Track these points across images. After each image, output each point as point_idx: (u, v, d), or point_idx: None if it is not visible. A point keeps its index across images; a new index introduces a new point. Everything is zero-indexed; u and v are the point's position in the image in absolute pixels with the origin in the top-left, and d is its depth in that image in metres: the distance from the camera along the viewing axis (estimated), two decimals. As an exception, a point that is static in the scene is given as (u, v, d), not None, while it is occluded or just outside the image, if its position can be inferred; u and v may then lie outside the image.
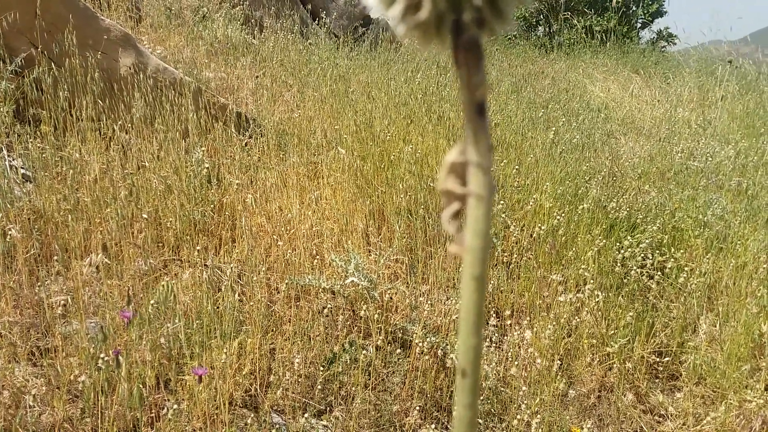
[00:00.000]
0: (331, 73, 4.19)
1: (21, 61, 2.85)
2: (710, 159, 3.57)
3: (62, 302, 1.85)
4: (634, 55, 7.60)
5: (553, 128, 3.47)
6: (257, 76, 4.07)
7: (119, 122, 2.82)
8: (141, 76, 3.10)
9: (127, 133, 2.82)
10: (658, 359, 2.23)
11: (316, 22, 6.36)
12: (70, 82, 2.80)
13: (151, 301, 1.68)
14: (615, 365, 2.14)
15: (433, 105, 3.65)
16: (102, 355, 1.46)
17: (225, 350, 1.68)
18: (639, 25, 11.61)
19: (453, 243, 0.25)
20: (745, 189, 3.18)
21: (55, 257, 1.94)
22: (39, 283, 1.91)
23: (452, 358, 1.89)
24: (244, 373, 1.75)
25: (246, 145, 3.12)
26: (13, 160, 2.51)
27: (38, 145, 2.51)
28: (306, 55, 4.70)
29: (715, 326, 2.33)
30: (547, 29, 10.31)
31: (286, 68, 4.33)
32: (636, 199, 2.97)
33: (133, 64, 3.23)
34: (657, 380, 2.23)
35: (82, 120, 2.69)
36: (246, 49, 4.49)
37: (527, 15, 11.21)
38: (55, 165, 2.43)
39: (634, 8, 10.73)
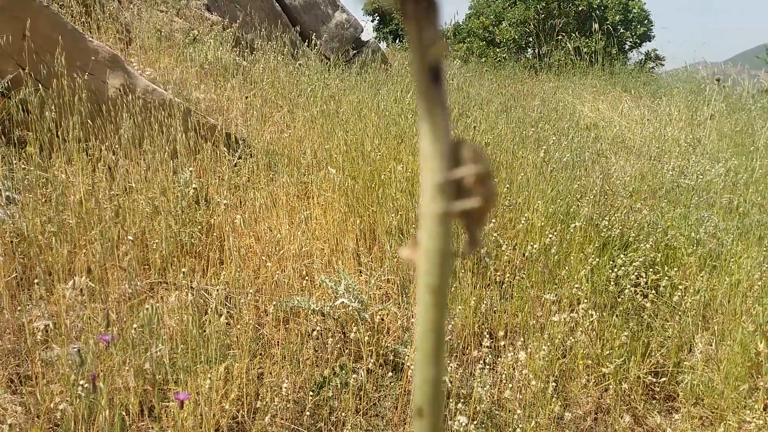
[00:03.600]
0: (321, 93, 4.19)
1: (7, 83, 2.83)
2: (701, 177, 3.57)
3: (44, 327, 1.80)
4: (622, 76, 7.68)
5: (544, 147, 3.46)
6: (247, 97, 4.06)
7: (107, 143, 2.79)
8: (130, 97, 3.08)
9: (114, 154, 2.79)
10: (654, 380, 2.19)
11: (307, 44, 6.39)
12: (57, 103, 2.77)
13: (134, 325, 1.63)
14: (611, 386, 2.10)
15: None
16: (82, 382, 1.41)
17: (210, 375, 1.63)
18: (627, 46, 11.76)
19: (405, 247, 0.21)
20: (737, 206, 3.17)
21: (36, 281, 1.89)
22: (20, 308, 1.85)
23: (445, 381, 1.85)
24: (230, 398, 1.70)
25: (235, 165, 3.09)
26: (-3, 181, 2.47)
27: (23, 166, 2.47)
28: (296, 77, 4.71)
29: (711, 345, 2.30)
30: (537, 51, 10.42)
31: (277, 89, 4.32)
32: (628, 217, 2.96)
33: (121, 85, 3.20)
34: (654, 401, 2.19)
35: (68, 141, 2.65)
36: (236, 71, 4.49)
37: (517, 37, 11.34)
38: (40, 186, 2.39)
39: (622, 30, 10.88)
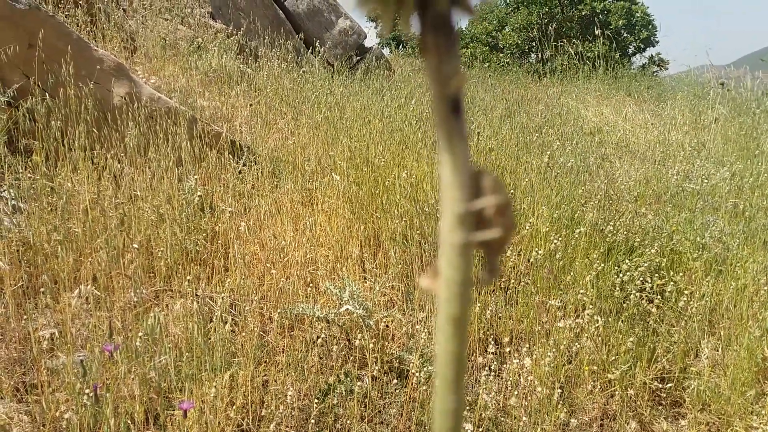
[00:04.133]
0: (325, 100, 4.20)
1: (14, 92, 2.85)
2: (706, 181, 3.56)
3: (49, 335, 1.81)
4: (626, 80, 7.67)
5: (548, 152, 3.46)
6: (251, 105, 4.08)
7: (112, 152, 2.80)
8: (135, 105, 3.10)
9: (119, 162, 2.80)
10: (660, 385, 2.18)
11: (311, 51, 6.42)
12: (63, 112, 2.79)
13: (140, 334, 1.64)
14: (617, 392, 2.09)
15: (428, 131, 3.65)
16: (87, 391, 1.42)
17: (216, 383, 1.63)
18: (631, 51, 11.76)
19: (426, 275, 0.21)
20: (742, 211, 3.16)
21: (42, 289, 1.90)
22: (26, 316, 1.86)
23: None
24: (236, 406, 1.70)
25: (240, 172, 3.10)
26: (3, 191, 2.49)
27: (29, 175, 2.49)
28: (300, 84, 4.72)
29: (718, 350, 2.28)
30: (540, 56, 10.43)
31: (281, 96, 4.34)
32: (633, 222, 2.95)
33: (126, 94, 3.23)
34: (660, 407, 2.18)
35: (74, 150, 2.67)
36: (240, 78, 4.51)
37: (520, 42, 11.36)
38: (46, 195, 2.40)
39: (625, 35, 10.88)
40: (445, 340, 0.20)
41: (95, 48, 3.32)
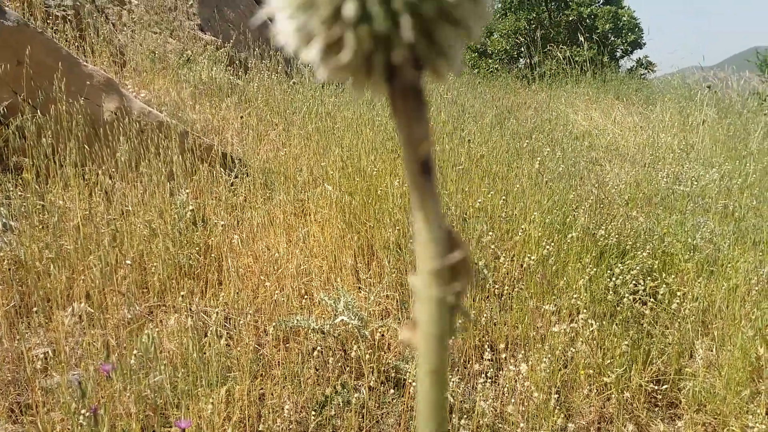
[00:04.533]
0: (316, 110, 4.21)
1: (3, 109, 2.84)
2: (695, 183, 3.59)
3: (43, 355, 1.80)
4: (614, 83, 7.73)
5: (539, 158, 3.48)
6: (242, 116, 4.08)
7: (103, 167, 2.80)
8: (126, 120, 3.10)
9: (111, 178, 2.80)
10: (656, 387, 2.19)
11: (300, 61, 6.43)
12: (53, 128, 2.79)
13: (134, 351, 1.63)
14: (613, 395, 2.09)
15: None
16: (83, 411, 1.41)
17: (212, 399, 1.63)
18: (618, 54, 11.86)
19: (404, 327, 0.21)
20: (732, 211, 3.19)
21: (35, 308, 1.89)
22: (19, 337, 1.85)
23: (447, 397, 1.84)
24: (233, 421, 1.69)
25: (232, 185, 3.10)
26: (-6, 209, 2.47)
27: (20, 193, 2.48)
28: (291, 94, 4.73)
29: (712, 351, 2.30)
30: (528, 61, 10.51)
31: (271, 107, 4.35)
32: (624, 225, 2.97)
33: (117, 109, 3.22)
34: (657, 409, 2.19)
35: (65, 166, 2.66)
36: (231, 90, 4.52)
37: (508, 48, 11.43)
38: (37, 213, 2.39)
39: (612, 38, 10.98)
40: (426, 391, 0.21)
41: (84, 63, 3.32)
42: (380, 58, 0.19)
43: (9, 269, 2.12)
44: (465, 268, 0.21)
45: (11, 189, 2.47)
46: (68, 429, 1.54)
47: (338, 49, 0.19)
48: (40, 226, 2.34)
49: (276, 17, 0.20)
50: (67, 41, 4.17)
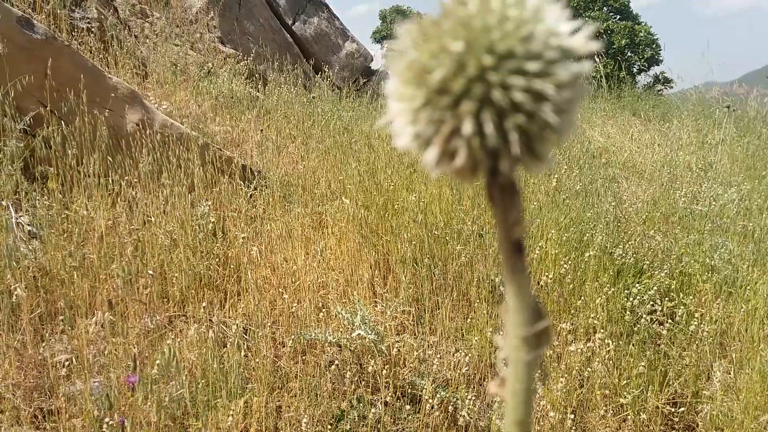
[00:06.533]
0: (334, 124, 4.26)
1: (30, 120, 2.91)
2: (714, 202, 3.57)
3: (66, 362, 1.83)
4: (631, 100, 7.71)
5: (555, 175, 3.49)
6: (262, 130, 4.13)
7: (126, 178, 2.85)
8: (148, 131, 3.15)
9: (133, 188, 2.85)
10: (673, 409, 2.17)
11: (319, 75, 6.51)
12: (78, 139, 2.85)
13: (157, 361, 1.66)
14: (629, 417, 2.08)
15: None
16: (107, 419, 1.43)
17: (231, 411, 1.65)
18: (635, 70, 11.83)
19: (493, 382, 0.24)
20: (751, 232, 3.17)
21: (61, 317, 1.93)
22: (43, 343, 1.89)
23: (463, 415, 1.85)
24: (250, 433, 1.71)
25: (251, 197, 3.14)
26: (20, 217, 2.53)
27: (45, 202, 2.53)
28: (310, 108, 4.79)
29: (730, 374, 2.28)
30: (545, 76, 10.53)
31: (290, 121, 4.40)
32: (642, 244, 2.96)
33: (139, 120, 3.29)
34: None
35: (89, 176, 2.72)
36: (251, 103, 4.58)
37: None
38: (62, 222, 2.44)
39: (629, 54, 10.96)
40: None
41: (109, 76, 3.39)
42: (487, 164, 0.22)
43: (34, 277, 2.16)
44: (547, 335, 0.23)
45: (37, 198, 2.53)
46: (90, 437, 1.57)
47: (452, 157, 0.23)
48: (65, 235, 2.38)
49: (395, 119, 0.23)
50: (91, 53, 4.26)
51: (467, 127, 0.22)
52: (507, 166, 0.22)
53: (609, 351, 2.19)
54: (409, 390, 2.05)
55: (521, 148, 0.22)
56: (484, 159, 0.22)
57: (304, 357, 2.12)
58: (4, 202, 2.40)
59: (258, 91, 5.10)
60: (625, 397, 2.11)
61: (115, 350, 1.89)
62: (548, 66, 0.22)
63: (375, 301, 2.53)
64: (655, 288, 2.53)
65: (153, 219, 2.64)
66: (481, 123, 0.21)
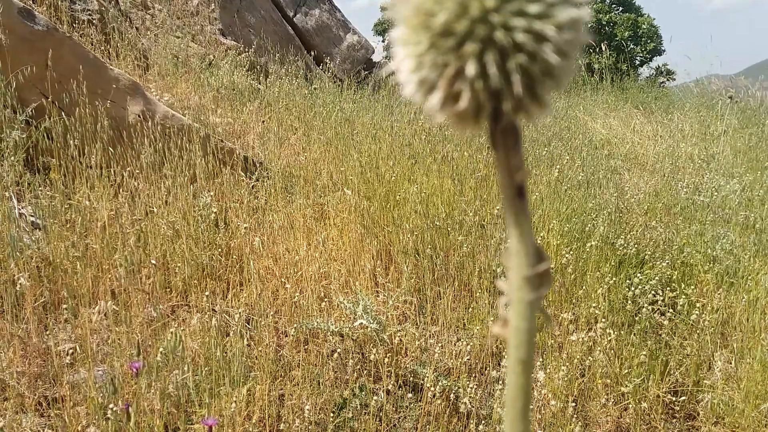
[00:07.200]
0: (335, 116, 4.26)
1: (32, 111, 2.91)
2: (716, 193, 3.57)
3: (70, 350, 1.84)
4: (633, 92, 7.70)
5: (557, 166, 3.49)
6: (263, 121, 4.13)
7: (128, 169, 2.85)
8: (149, 123, 3.16)
9: (135, 179, 2.85)
10: (674, 398, 2.18)
11: (320, 67, 6.49)
12: (80, 130, 2.85)
13: (160, 349, 1.67)
14: (630, 405, 2.09)
15: (437, 145, 3.68)
16: (111, 406, 1.45)
17: (234, 398, 1.66)
18: (638, 62, 11.79)
19: (495, 323, 0.24)
20: (753, 223, 3.17)
21: (65, 306, 1.94)
22: (47, 332, 1.90)
23: (465, 403, 1.86)
24: (253, 421, 1.72)
25: (253, 188, 3.15)
26: (23, 208, 2.54)
27: (47, 192, 2.54)
28: (311, 100, 4.78)
29: (731, 363, 2.29)
30: (547, 68, 10.49)
31: (292, 112, 4.40)
32: (644, 234, 2.96)
33: (141, 112, 3.29)
34: (674, 420, 2.18)
35: (91, 167, 2.72)
36: (252, 95, 4.57)
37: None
38: (65, 212, 2.45)
39: (632, 46, 10.92)
40: (516, 377, 0.24)
41: (111, 67, 3.39)
42: (489, 107, 0.23)
43: (37, 267, 2.17)
44: (548, 276, 0.24)
45: (40, 189, 2.53)
46: (94, 423, 1.58)
47: (455, 100, 0.23)
48: (67, 225, 2.39)
49: (400, 66, 0.24)
50: (92, 45, 4.26)
51: (471, 69, 0.22)
52: (509, 108, 0.23)
53: (610, 340, 2.20)
54: (411, 379, 2.06)
55: (523, 89, 0.23)
56: (486, 101, 0.23)
57: (306, 346, 2.13)
58: (7, 193, 2.41)
59: (259, 83, 5.09)
60: (626, 386, 2.11)
61: (119, 339, 1.90)
62: (548, 8, 0.23)
63: (377, 291, 2.54)
64: (656, 278, 2.53)
65: (155, 210, 2.64)
66: (485, 64, 0.22)
